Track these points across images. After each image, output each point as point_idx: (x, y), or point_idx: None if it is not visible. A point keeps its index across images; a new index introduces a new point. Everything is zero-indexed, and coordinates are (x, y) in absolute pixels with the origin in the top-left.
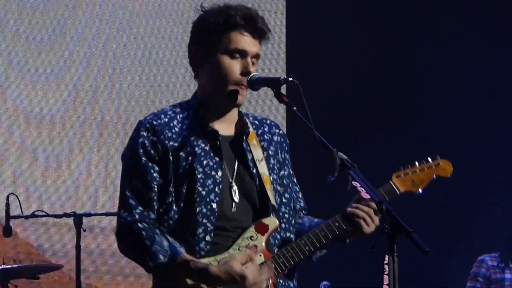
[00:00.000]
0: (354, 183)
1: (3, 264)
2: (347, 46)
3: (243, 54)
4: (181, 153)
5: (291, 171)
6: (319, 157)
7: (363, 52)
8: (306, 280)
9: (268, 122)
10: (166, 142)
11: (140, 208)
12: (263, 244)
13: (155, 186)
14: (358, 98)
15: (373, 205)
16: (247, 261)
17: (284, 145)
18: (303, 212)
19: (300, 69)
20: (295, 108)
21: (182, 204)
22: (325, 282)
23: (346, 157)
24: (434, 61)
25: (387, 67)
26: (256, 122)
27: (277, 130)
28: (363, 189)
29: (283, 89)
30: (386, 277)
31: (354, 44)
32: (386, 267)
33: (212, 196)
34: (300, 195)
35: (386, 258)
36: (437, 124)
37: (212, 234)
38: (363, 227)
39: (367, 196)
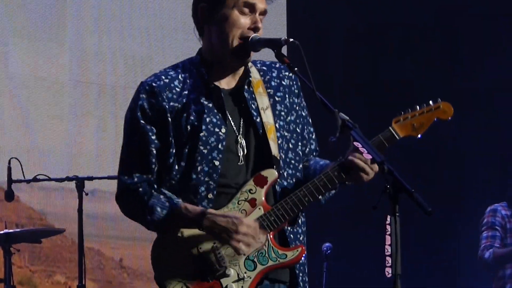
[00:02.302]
0: (355, 143)
1: (6, 228)
2: (348, 5)
3: (252, 9)
4: (183, 113)
5: (302, 113)
6: (320, 118)
7: (364, 11)
8: (308, 242)
9: (277, 66)
10: (165, 103)
11: (138, 171)
12: (263, 197)
13: (154, 149)
14: (359, 58)
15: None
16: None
17: (293, 88)
18: (314, 154)
19: (300, 30)
20: (296, 68)
21: (183, 164)
22: (327, 244)
23: (348, 118)
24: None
25: (389, 26)
26: (264, 68)
27: (287, 73)
28: (364, 150)
29: (284, 50)
30: (388, 238)
31: (355, 4)
32: (388, 227)
33: (214, 154)
34: (313, 137)
35: (388, 219)
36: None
37: (215, 192)
38: (362, 177)
39: (368, 157)
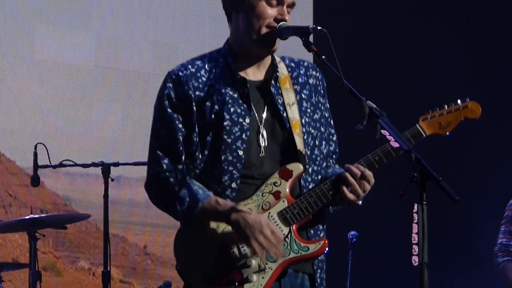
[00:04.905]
0: (383, 131)
1: (31, 213)
2: (373, 24)
3: (279, 1)
4: (207, 103)
5: (325, 114)
6: (347, 106)
7: (389, 30)
8: (334, 230)
9: (305, 64)
10: (191, 92)
11: (167, 159)
12: (287, 190)
13: (181, 137)
14: (386, 46)
15: (362, 168)
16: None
17: (319, 88)
18: (334, 157)
19: (327, 17)
20: (323, 57)
21: (207, 153)
22: (352, 232)
23: (375, 106)
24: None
25: (416, 13)
26: (293, 64)
27: (314, 72)
28: (392, 138)
29: (311, 38)
30: (415, 226)
31: (379, 23)
32: (415, 215)
33: (238, 143)
34: (333, 138)
35: (415, 207)
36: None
37: (238, 182)
38: (345, 194)
39: (396, 145)
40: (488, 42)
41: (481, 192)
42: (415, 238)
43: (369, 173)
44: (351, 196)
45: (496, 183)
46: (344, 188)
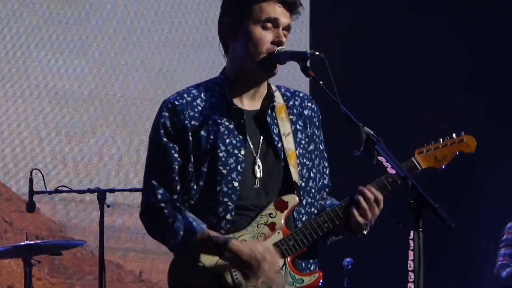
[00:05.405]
0: (379, 158)
1: (26, 240)
2: (372, 17)
3: (275, 24)
4: (203, 132)
5: (320, 147)
6: (344, 132)
7: (388, 23)
8: (329, 257)
9: (301, 95)
10: (187, 122)
11: (162, 189)
12: (282, 221)
13: (176, 167)
14: (385, 40)
15: (376, 192)
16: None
17: (314, 120)
18: (326, 190)
19: (325, 10)
20: (321, 82)
21: (202, 183)
22: (348, 259)
23: (372, 132)
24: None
25: (415, 6)
26: (288, 94)
27: (309, 104)
28: (388, 164)
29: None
30: (411, 253)
31: (378, 16)
32: (411, 242)
33: (234, 175)
34: (326, 171)
35: (411, 234)
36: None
37: (233, 213)
38: (356, 217)
39: (392, 171)
40: (487, 35)
41: (479, 204)
42: (411, 265)
43: (381, 197)
44: (360, 219)
45: (496, 184)
46: (355, 211)
